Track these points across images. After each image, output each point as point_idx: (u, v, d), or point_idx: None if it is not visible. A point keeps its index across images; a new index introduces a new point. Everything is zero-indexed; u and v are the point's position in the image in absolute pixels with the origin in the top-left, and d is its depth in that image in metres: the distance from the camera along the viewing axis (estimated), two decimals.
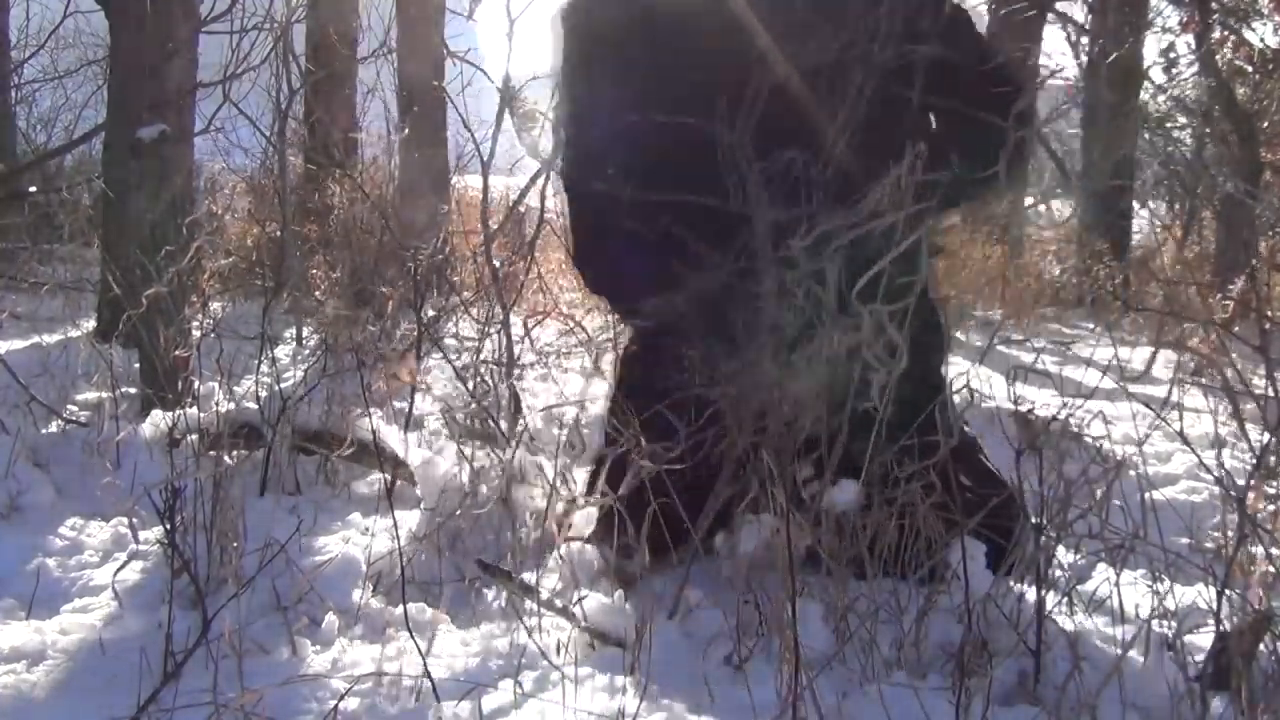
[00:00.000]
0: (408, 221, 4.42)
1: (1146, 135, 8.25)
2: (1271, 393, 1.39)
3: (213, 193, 7.39)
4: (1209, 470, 1.41)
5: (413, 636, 1.46)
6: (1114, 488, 1.50)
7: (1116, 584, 1.52)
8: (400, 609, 1.56)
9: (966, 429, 1.85)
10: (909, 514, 1.55)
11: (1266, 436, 1.42)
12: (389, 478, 2.10)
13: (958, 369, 3.72)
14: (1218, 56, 5.96)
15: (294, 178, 5.97)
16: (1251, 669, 1.30)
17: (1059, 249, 7.38)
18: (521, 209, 2.86)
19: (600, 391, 2.74)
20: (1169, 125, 8.25)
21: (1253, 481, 1.42)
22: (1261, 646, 1.33)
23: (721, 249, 1.71)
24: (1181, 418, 1.62)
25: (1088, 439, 1.59)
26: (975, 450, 1.75)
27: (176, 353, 2.58)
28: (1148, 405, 1.50)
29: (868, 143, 1.67)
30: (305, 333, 4.21)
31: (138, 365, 2.89)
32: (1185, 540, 2.05)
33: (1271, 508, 1.57)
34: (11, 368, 2.68)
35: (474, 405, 2.06)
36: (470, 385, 1.96)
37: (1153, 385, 3.41)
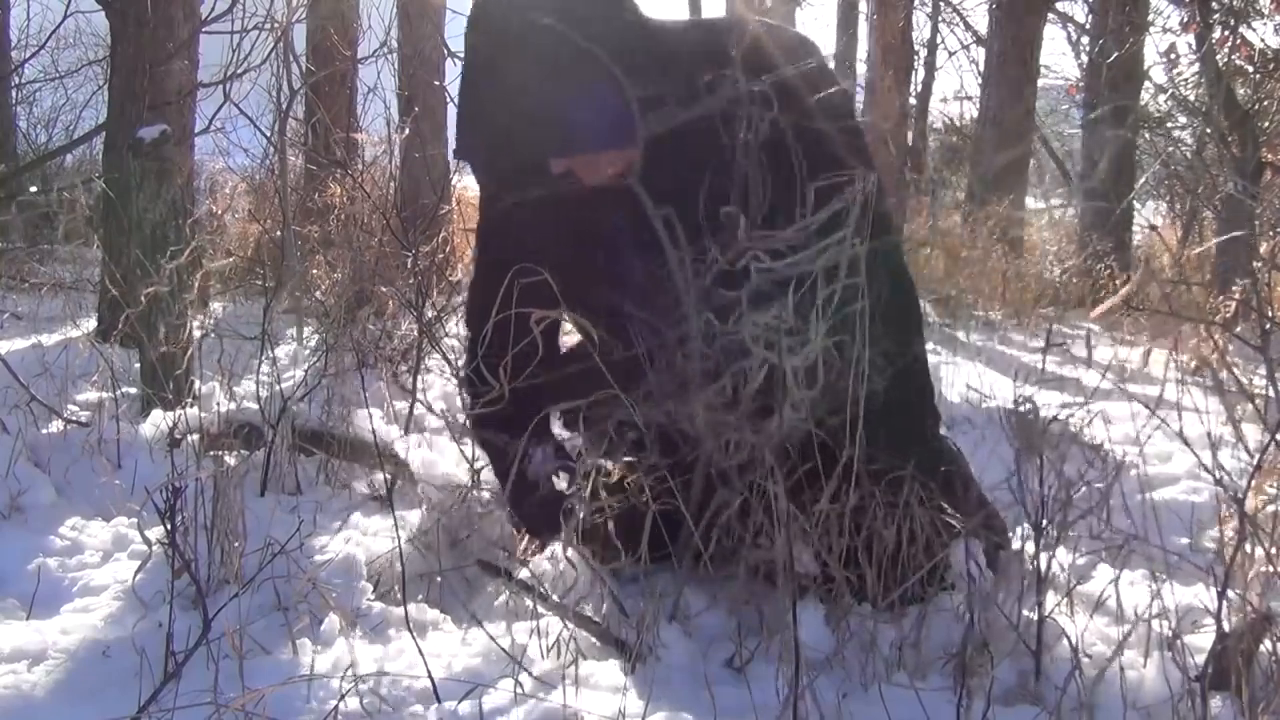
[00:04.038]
0: (408, 221, 4.42)
1: (1146, 135, 8.27)
2: (1272, 393, 1.39)
3: (213, 193, 7.41)
4: (1208, 470, 1.41)
5: (413, 636, 1.46)
6: (1114, 488, 1.50)
7: (1116, 584, 1.52)
8: (400, 609, 1.56)
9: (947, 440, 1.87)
10: (906, 518, 1.55)
11: (1265, 436, 1.42)
12: (389, 478, 2.11)
13: (957, 369, 3.73)
14: (1218, 56, 5.96)
15: (294, 178, 5.98)
16: (1251, 669, 1.30)
17: (1059, 249, 7.39)
18: None
19: None
20: (1169, 125, 8.26)
21: (1252, 482, 1.42)
22: (1262, 646, 1.33)
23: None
24: (1181, 417, 1.62)
25: (1088, 439, 1.59)
26: (953, 463, 1.75)
27: (164, 348, 2.59)
28: (1146, 405, 1.50)
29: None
30: (305, 333, 4.21)
31: (138, 365, 2.89)
32: (1185, 540, 2.06)
33: (1271, 508, 1.57)
34: (12, 368, 2.69)
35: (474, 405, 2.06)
36: (464, 392, 1.97)
37: (1153, 386, 3.41)
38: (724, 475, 1.62)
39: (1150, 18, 7.68)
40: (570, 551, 1.74)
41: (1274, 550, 1.42)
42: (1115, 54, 7.11)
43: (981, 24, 11.04)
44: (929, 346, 2.00)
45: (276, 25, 4.49)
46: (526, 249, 1.74)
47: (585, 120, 1.58)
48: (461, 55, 1.75)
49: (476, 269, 2.00)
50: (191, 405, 2.57)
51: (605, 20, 1.61)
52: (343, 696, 1.34)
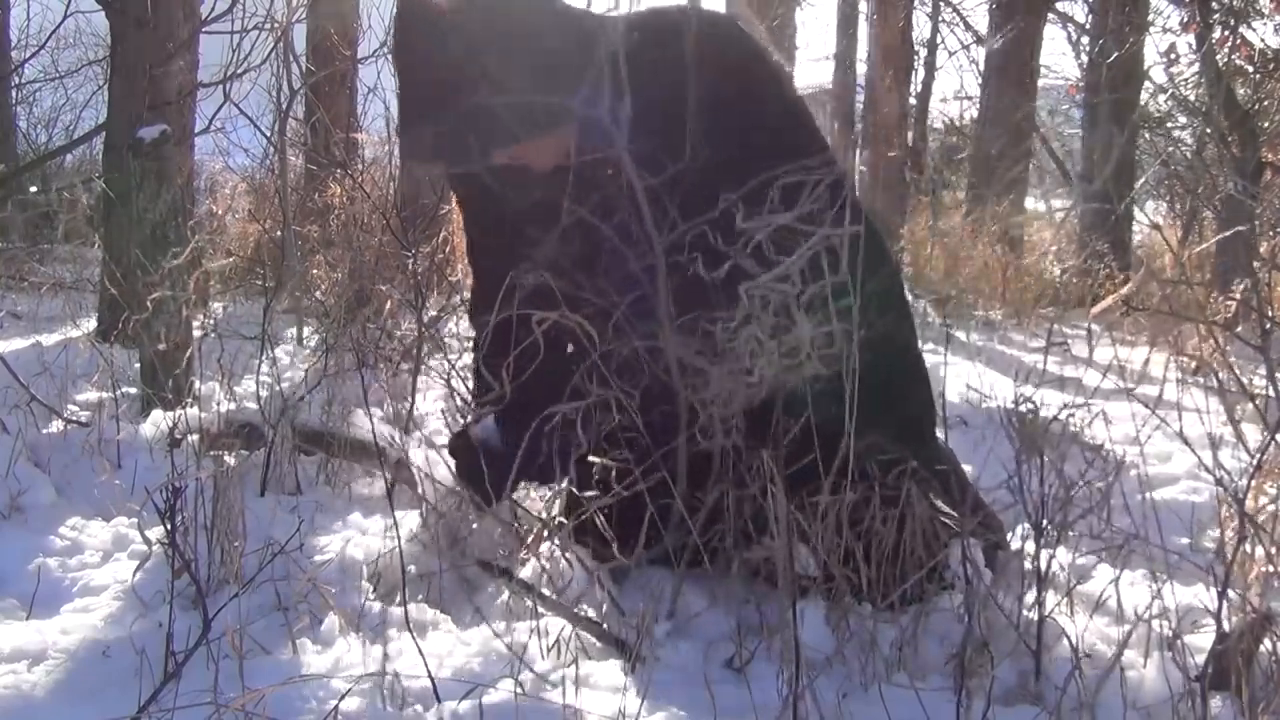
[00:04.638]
0: (408, 221, 4.42)
1: (1146, 135, 8.27)
2: (1272, 393, 1.39)
3: (213, 193, 7.41)
4: (1208, 470, 1.42)
5: (413, 636, 1.46)
6: (1114, 488, 1.50)
7: (1116, 584, 1.52)
8: (400, 609, 1.56)
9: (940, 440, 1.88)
10: (907, 514, 1.55)
11: (1265, 436, 1.42)
12: (389, 478, 2.11)
13: (957, 369, 3.73)
14: (1218, 56, 5.96)
15: (294, 178, 5.98)
16: (1251, 669, 1.30)
17: (1059, 249, 7.39)
18: None
19: None
20: (1169, 125, 8.26)
21: (1252, 482, 1.42)
22: (1262, 646, 1.33)
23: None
24: (1181, 417, 1.62)
25: (1088, 439, 1.59)
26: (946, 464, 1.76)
27: (163, 345, 2.59)
28: (1147, 405, 1.50)
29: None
30: (305, 333, 4.21)
31: (138, 365, 2.90)
32: (1185, 540, 2.06)
33: (1271, 507, 1.57)
34: (11, 368, 2.68)
35: (474, 405, 2.06)
36: (470, 385, 1.97)
37: (1153, 386, 3.42)
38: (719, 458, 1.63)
39: (1150, 18, 7.68)
40: (568, 552, 1.74)
41: (1274, 550, 1.42)
42: (1115, 54, 7.10)
43: (981, 24, 11.04)
44: (929, 346, 2.00)
45: (276, 25, 4.48)
46: (509, 243, 1.77)
47: (516, 111, 1.60)
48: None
49: (472, 273, 2.03)
50: (191, 405, 2.57)
51: (527, 10, 1.65)
52: (343, 696, 1.34)
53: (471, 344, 2.01)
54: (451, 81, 1.62)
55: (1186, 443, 1.53)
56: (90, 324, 4.05)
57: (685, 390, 1.64)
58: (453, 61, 1.61)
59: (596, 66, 1.63)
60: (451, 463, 1.99)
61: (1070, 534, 1.50)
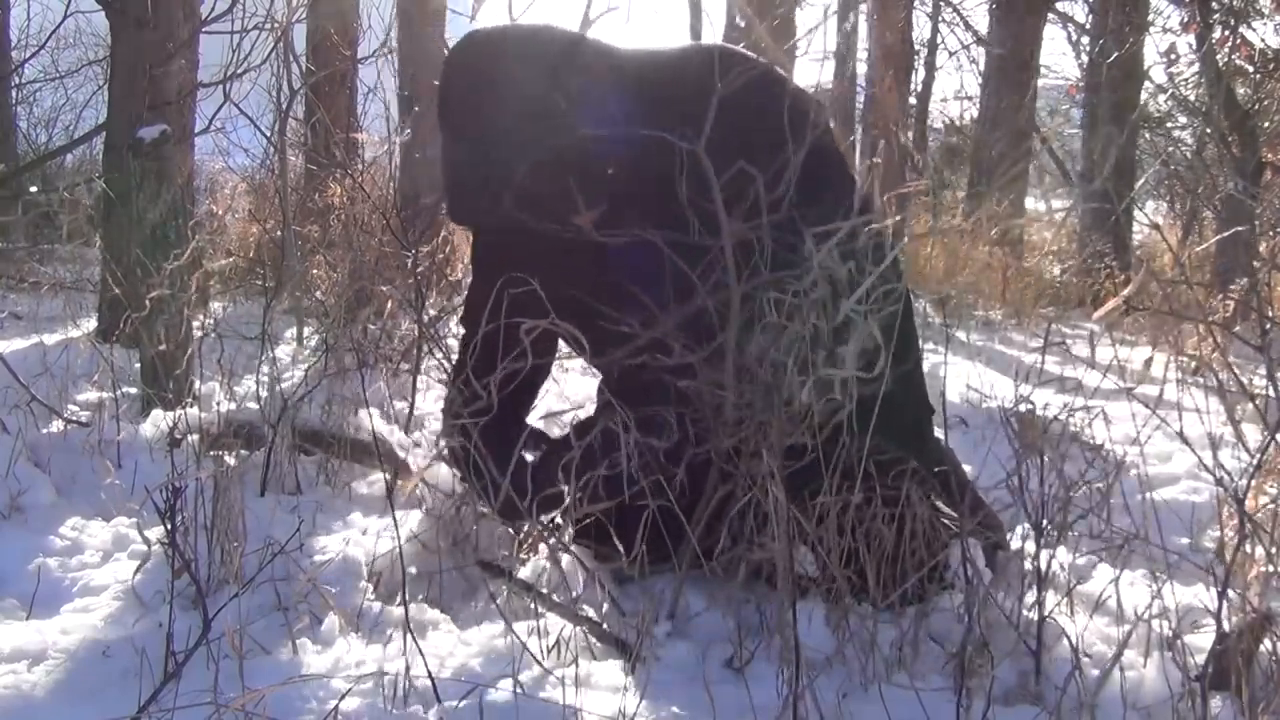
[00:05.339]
0: (408, 221, 4.41)
1: (1147, 135, 8.27)
2: (1272, 393, 1.39)
3: (213, 193, 7.40)
4: (1208, 470, 1.42)
5: (413, 636, 1.46)
6: (1114, 488, 1.50)
7: (1116, 584, 1.52)
8: (400, 609, 1.56)
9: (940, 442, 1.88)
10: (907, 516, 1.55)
11: (1265, 436, 1.42)
12: (389, 478, 2.11)
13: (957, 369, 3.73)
14: (1218, 56, 5.97)
15: (294, 178, 5.98)
16: (1251, 669, 1.31)
17: (1059, 249, 7.39)
18: None
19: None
20: (1169, 125, 8.27)
21: (1252, 482, 1.42)
22: (1262, 646, 1.33)
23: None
24: (1181, 417, 1.62)
25: (1088, 439, 1.59)
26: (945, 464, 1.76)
27: (164, 347, 2.59)
28: (1147, 405, 1.50)
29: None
30: (305, 333, 4.21)
31: (138, 365, 2.90)
32: (1185, 540, 2.06)
33: (1271, 507, 1.57)
34: (12, 368, 2.68)
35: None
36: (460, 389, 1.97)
37: (1152, 386, 3.41)
38: (727, 463, 1.63)
39: (1150, 18, 7.69)
40: (569, 552, 1.74)
41: (1274, 550, 1.42)
42: (1115, 54, 7.10)
43: (982, 24, 11.04)
44: (929, 346, 2.00)
45: (276, 25, 4.48)
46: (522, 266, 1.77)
47: (556, 194, 1.66)
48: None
49: (474, 282, 2.03)
50: (191, 405, 2.57)
51: (563, 78, 1.68)
52: (343, 696, 1.34)
53: (467, 350, 2.00)
54: (504, 144, 1.64)
55: (1186, 443, 1.53)
56: (90, 324, 4.04)
57: (727, 428, 1.65)
58: (506, 122, 1.64)
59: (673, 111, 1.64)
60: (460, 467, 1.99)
61: (1070, 534, 1.50)
